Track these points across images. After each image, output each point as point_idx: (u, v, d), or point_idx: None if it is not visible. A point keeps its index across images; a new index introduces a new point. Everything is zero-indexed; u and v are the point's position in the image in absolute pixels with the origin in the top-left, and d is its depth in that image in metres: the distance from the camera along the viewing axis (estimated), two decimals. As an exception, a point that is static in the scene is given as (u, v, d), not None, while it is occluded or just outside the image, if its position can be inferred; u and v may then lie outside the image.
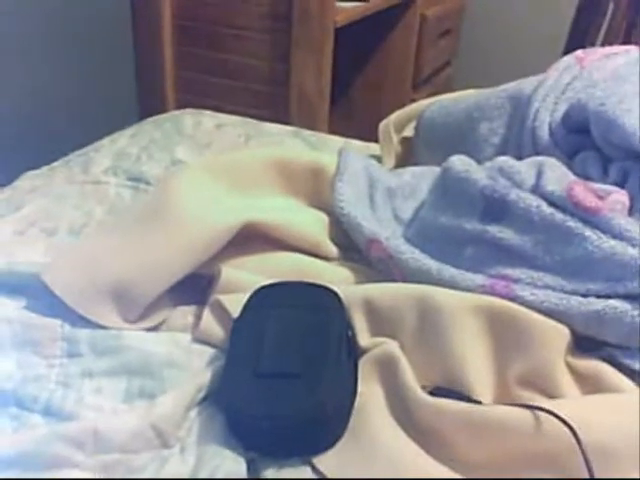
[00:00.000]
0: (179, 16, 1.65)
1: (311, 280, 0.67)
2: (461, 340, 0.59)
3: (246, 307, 0.63)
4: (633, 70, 0.79)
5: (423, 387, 0.57)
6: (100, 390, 0.61)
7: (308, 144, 1.15)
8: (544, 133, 0.78)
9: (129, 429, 0.55)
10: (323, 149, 1.12)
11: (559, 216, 0.62)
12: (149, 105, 1.68)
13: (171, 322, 0.69)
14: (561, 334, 0.59)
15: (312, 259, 0.76)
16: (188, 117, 1.22)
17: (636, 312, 0.57)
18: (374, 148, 1.08)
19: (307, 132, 1.22)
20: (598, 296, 0.59)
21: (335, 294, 0.64)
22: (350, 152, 0.86)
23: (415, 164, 0.95)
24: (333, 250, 0.78)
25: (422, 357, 0.60)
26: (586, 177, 0.71)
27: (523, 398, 0.57)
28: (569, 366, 0.59)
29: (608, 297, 0.58)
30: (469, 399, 0.56)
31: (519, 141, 0.81)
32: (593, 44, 1.61)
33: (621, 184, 0.68)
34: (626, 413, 0.52)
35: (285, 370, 0.57)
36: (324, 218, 0.81)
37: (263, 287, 0.66)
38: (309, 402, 0.55)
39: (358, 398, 0.59)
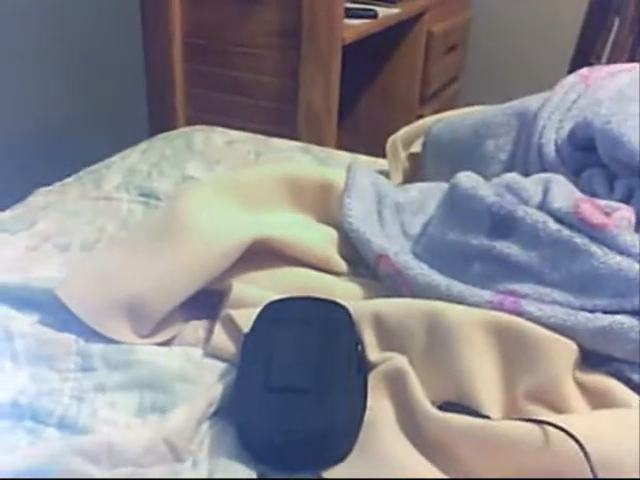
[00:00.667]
0: (189, 34, 1.68)
1: (320, 295, 0.68)
2: (470, 355, 0.60)
3: (257, 322, 0.64)
4: (638, 88, 0.80)
5: (432, 402, 0.58)
6: (113, 404, 0.62)
7: (317, 159, 1.16)
8: (550, 150, 0.79)
9: (142, 443, 0.55)
10: (331, 164, 1.13)
11: (566, 232, 0.63)
12: (159, 122, 1.70)
13: (183, 337, 0.70)
14: (569, 349, 0.59)
15: (321, 274, 0.77)
16: (198, 133, 1.24)
17: (643, 327, 0.57)
18: (381, 163, 1.09)
19: (316, 148, 1.23)
20: (605, 312, 0.59)
21: (345, 309, 0.65)
22: (358, 168, 0.87)
23: (422, 180, 0.96)
24: (342, 265, 0.79)
25: (431, 372, 0.61)
26: (592, 194, 0.72)
27: (531, 413, 0.58)
28: (577, 381, 0.60)
29: (615, 313, 0.59)
30: (478, 414, 0.56)
31: (525, 158, 0.82)
32: (599, 59, 1.62)
33: (627, 201, 0.69)
34: (634, 428, 0.53)
35: (295, 385, 0.58)
36: (333, 234, 0.82)
37: (273, 302, 0.67)
38: (319, 416, 0.55)
39: (367, 413, 0.59)
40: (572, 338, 0.60)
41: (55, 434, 0.59)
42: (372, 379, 0.62)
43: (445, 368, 0.61)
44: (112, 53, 1.60)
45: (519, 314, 0.61)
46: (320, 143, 1.38)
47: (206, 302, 0.73)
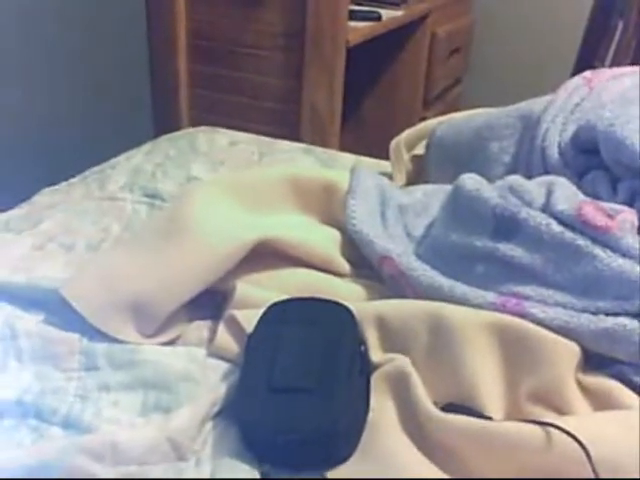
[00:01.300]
0: (194, 35, 1.68)
1: (324, 296, 0.68)
2: (472, 357, 0.60)
3: (260, 322, 0.65)
4: (641, 91, 0.80)
5: (435, 403, 0.58)
6: (117, 403, 0.62)
7: (320, 161, 1.17)
8: (553, 153, 0.79)
9: (146, 442, 0.56)
10: (334, 166, 1.13)
11: (569, 235, 0.63)
12: (164, 122, 1.71)
13: (187, 337, 0.71)
14: (571, 351, 0.59)
15: (325, 275, 0.77)
16: (202, 134, 1.24)
17: (645, 330, 0.57)
18: (385, 165, 1.10)
19: (319, 149, 1.23)
20: (607, 314, 0.60)
21: (348, 310, 0.65)
22: (362, 170, 0.87)
23: (426, 182, 0.96)
24: (345, 267, 0.79)
25: (434, 373, 0.61)
26: (595, 196, 0.72)
27: (534, 414, 0.58)
28: (579, 383, 0.60)
29: (617, 315, 0.59)
30: (480, 415, 0.57)
31: (529, 160, 0.83)
32: (602, 62, 1.62)
33: (630, 203, 0.69)
34: (636, 429, 0.53)
35: (299, 385, 0.58)
36: (337, 235, 0.82)
37: (277, 303, 0.67)
38: (322, 417, 0.56)
39: (370, 413, 0.59)
40: (575, 340, 0.60)
41: (59, 432, 0.59)
42: (375, 380, 0.62)
43: (448, 369, 0.61)
44: (117, 54, 1.61)
45: (522, 316, 0.62)
46: (323, 145, 1.39)
47: (210, 302, 0.73)
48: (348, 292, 0.74)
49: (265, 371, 0.59)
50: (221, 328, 0.69)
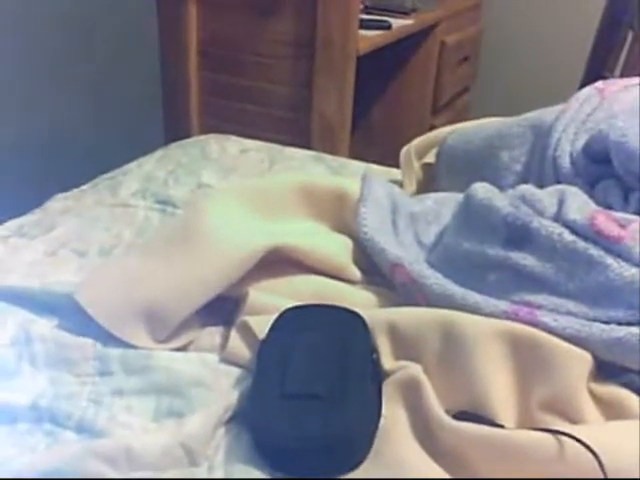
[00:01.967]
0: (205, 43, 1.69)
1: (336, 303, 0.68)
2: (484, 365, 0.60)
3: (272, 329, 0.65)
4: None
5: (447, 411, 0.58)
6: (130, 408, 0.63)
7: (330, 169, 1.17)
8: (565, 162, 0.80)
9: (159, 447, 0.56)
10: (345, 174, 1.14)
11: (581, 244, 0.63)
12: (175, 130, 1.72)
13: (199, 342, 0.71)
14: (583, 360, 0.60)
15: (336, 283, 0.77)
16: (213, 142, 1.25)
17: (658, 340, 0.57)
18: (395, 173, 1.10)
19: (329, 157, 1.24)
20: (619, 323, 0.60)
21: (360, 317, 0.66)
22: (373, 178, 0.88)
23: (436, 190, 0.96)
24: (357, 274, 0.79)
25: (446, 381, 0.61)
26: (607, 206, 0.72)
27: (546, 423, 0.58)
28: (591, 392, 0.60)
29: (629, 324, 0.59)
30: (492, 423, 0.57)
31: (540, 170, 0.83)
32: (612, 73, 1.62)
33: (642, 213, 0.69)
34: (648, 439, 0.53)
35: (311, 391, 0.58)
36: (348, 242, 0.82)
37: (289, 309, 0.68)
38: (334, 423, 0.56)
39: (382, 420, 0.60)
40: (587, 349, 0.60)
41: (73, 437, 0.59)
42: (387, 387, 0.62)
43: (460, 377, 0.61)
44: (128, 61, 1.62)
45: (534, 325, 0.62)
46: (333, 152, 1.39)
47: (222, 309, 0.74)
48: (360, 299, 0.74)
49: (277, 377, 0.59)
50: (233, 334, 0.69)
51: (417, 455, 0.57)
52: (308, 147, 1.46)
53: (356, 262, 0.80)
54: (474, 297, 0.65)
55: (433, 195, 0.90)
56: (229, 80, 1.70)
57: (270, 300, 0.72)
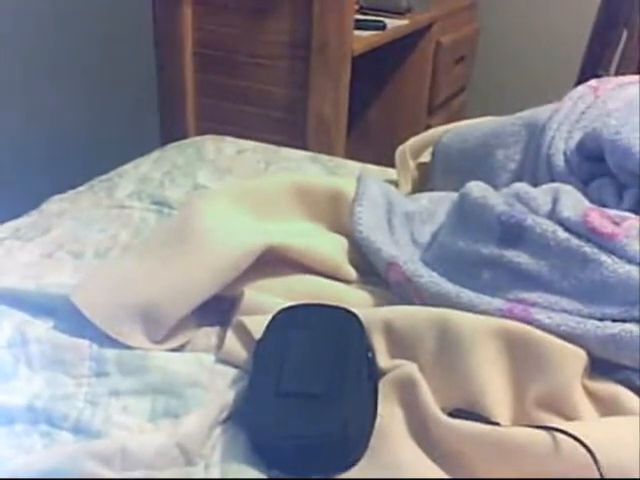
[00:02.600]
0: (200, 44, 1.70)
1: (331, 302, 0.68)
2: (479, 363, 0.60)
3: (268, 328, 0.65)
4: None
5: (442, 409, 0.58)
6: (126, 409, 0.63)
7: (326, 169, 1.17)
8: (559, 160, 0.80)
9: (155, 447, 0.56)
10: (341, 174, 1.14)
11: (575, 241, 0.64)
12: (171, 131, 1.72)
13: (195, 343, 0.71)
14: (578, 357, 0.60)
15: (332, 282, 0.78)
16: (209, 143, 1.25)
17: (652, 336, 0.58)
18: (390, 173, 1.10)
19: (325, 157, 1.24)
20: (614, 320, 0.60)
21: (355, 316, 0.66)
22: (368, 177, 0.88)
23: (431, 189, 0.97)
24: (352, 273, 0.80)
25: (441, 379, 0.61)
26: (601, 203, 0.72)
27: (541, 420, 0.58)
28: (586, 388, 0.60)
29: (624, 321, 0.60)
30: (488, 421, 0.57)
31: (535, 168, 0.83)
32: (607, 71, 1.62)
33: (636, 210, 0.70)
34: (643, 435, 0.53)
35: (307, 390, 0.58)
36: (344, 242, 0.82)
37: (284, 309, 0.68)
38: (331, 422, 0.56)
39: (378, 419, 0.60)
40: (581, 346, 0.60)
41: (69, 438, 0.59)
42: (383, 386, 0.62)
43: (455, 375, 0.61)
44: (124, 63, 1.62)
45: (529, 322, 0.62)
46: (329, 153, 1.39)
47: (218, 308, 0.74)
48: (355, 298, 0.74)
49: (273, 377, 0.59)
50: (229, 334, 0.69)
51: (413, 453, 0.57)
52: (304, 147, 1.47)
53: (351, 261, 0.80)
54: (469, 295, 0.66)
55: (428, 194, 0.91)
56: (225, 81, 1.71)
57: (266, 300, 0.72)
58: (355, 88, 1.64)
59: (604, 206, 0.71)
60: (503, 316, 0.63)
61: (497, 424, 0.57)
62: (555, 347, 0.60)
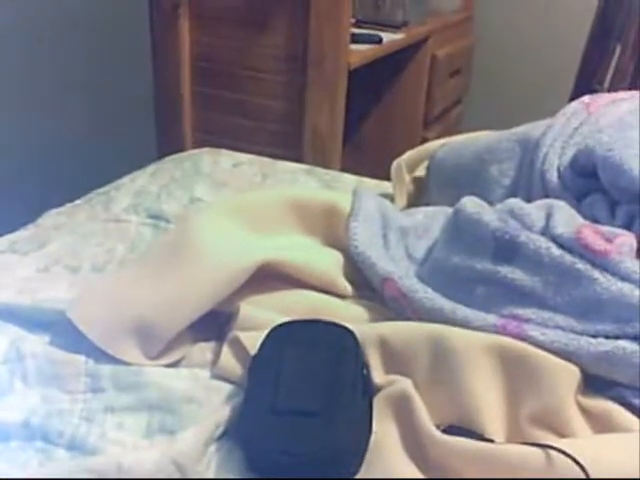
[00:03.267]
0: (198, 58, 1.70)
1: (326, 318, 0.68)
2: (474, 379, 0.60)
3: (263, 344, 0.65)
4: (638, 116, 0.81)
5: (437, 425, 0.58)
6: (122, 425, 0.63)
7: (322, 182, 1.18)
8: (553, 176, 0.80)
9: (151, 464, 0.56)
10: (336, 187, 1.14)
11: (568, 258, 0.64)
12: (168, 144, 1.73)
13: (191, 358, 0.71)
14: (571, 374, 0.60)
15: (327, 297, 0.78)
16: (206, 156, 1.26)
17: (645, 353, 0.58)
18: (386, 186, 1.11)
19: (321, 170, 1.25)
20: (607, 337, 0.60)
21: (350, 332, 0.66)
22: (364, 192, 0.88)
23: (426, 204, 0.97)
24: (348, 288, 0.80)
25: (436, 396, 0.62)
26: (594, 220, 0.73)
27: (535, 437, 0.58)
28: (580, 405, 0.60)
29: (617, 338, 0.60)
30: (482, 438, 0.57)
31: (529, 184, 0.84)
32: (601, 85, 1.64)
33: (628, 227, 0.70)
34: (636, 452, 0.53)
35: (302, 407, 0.58)
36: (339, 257, 0.83)
37: (280, 325, 0.68)
38: (326, 439, 0.56)
39: (373, 435, 0.60)
40: (575, 362, 0.60)
41: (65, 454, 0.60)
42: (377, 402, 0.63)
43: (449, 391, 0.61)
44: (121, 76, 1.63)
45: (522, 338, 0.62)
46: (325, 166, 1.40)
47: (214, 324, 0.74)
48: (350, 314, 0.75)
49: (268, 393, 0.59)
50: (225, 350, 0.69)
51: (408, 470, 0.57)
52: (300, 160, 1.47)
53: (347, 276, 0.80)
54: (463, 311, 0.66)
55: (423, 209, 0.91)
56: (222, 94, 1.71)
57: (261, 315, 0.72)
58: (351, 101, 1.65)
59: (597, 222, 0.71)
60: (497, 332, 0.64)
61: (491, 441, 0.57)
62: (549, 364, 0.60)
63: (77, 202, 1.07)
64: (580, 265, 0.63)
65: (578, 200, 0.78)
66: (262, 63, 1.63)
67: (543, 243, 0.66)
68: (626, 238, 0.65)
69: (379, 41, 1.73)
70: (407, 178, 1.04)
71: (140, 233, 0.96)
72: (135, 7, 1.66)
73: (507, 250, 0.68)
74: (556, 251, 0.65)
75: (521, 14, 2.44)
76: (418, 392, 0.61)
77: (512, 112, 1.90)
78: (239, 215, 0.85)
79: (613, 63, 1.64)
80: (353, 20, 1.75)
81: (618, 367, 0.59)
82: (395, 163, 1.06)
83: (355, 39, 1.65)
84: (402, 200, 1.03)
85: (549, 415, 0.59)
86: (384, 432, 0.60)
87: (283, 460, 0.56)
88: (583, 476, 0.51)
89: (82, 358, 0.69)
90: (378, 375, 0.65)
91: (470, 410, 0.59)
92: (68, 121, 1.50)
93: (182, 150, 1.39)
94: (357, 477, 0.57)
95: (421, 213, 0.89)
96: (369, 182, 1.19)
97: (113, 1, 1.56)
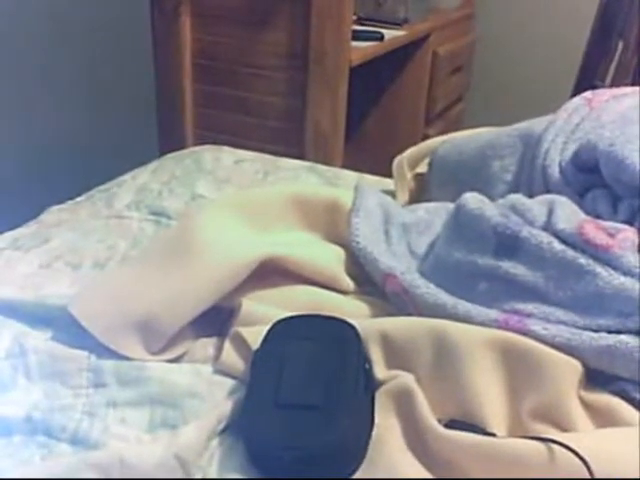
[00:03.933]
0: (199, 55, 1.71)
1: (328, 313, 0.69)
2: (475, 373, 0.61)
3: (265, 339, 0.65)
4: (640, 111, 0.82)
5: (439, 420, 0.58)
6: (124, 420, 0.63)
7: (323, 179, 1.18)
8: (554, 172, 0.80)
9: (153, 458, 0.56)
10: (338, 184, 1.14)
11: (570, 253, 0.64)
12: (169, 141, 1.73)
13: (193, 353, 0.71)
14: (573, 368, 0.60)
15: (329, 293, 0.78)
16: (208, 153, 1.26)
17: (646, 347, 0.58)
18: (387, 183, 1.11)
19: (322, 167, 1.24)
20: (609, 331, 0.60)
21: (352, 327, 0.66)
22: (366, 188, 0.88)
23: (428, 200, 0.97)
24: (350, 284, 0.80)
25: (437, 390, 0.62)
26: (596, 215, 0.73)
27: (536, 431, 0.58)
28: (582, 400, 0.60)
29: (619, 332, 0.60)
30: (484, 432, 0.57)
31: (530, 179, 0.84)
32: (603, 81, 1.63)
33: (630, 222, 0.70)
34: (637, 446, 0.53)
35: (304, 401, 0.58)
36: (341, 252, 0.83)
37: (282, 320, 0.68)
38: (328, 433, 0.56)
39: (375, 430, 0.60)
40: (577, 357, 0.60)
41: (67, 449, 0.60)
42: (379, 397, 0.63)
43: (451, 386, 0.61)
44: (123, 74, 1.63)
45: (524, 333, 0.62)
46: (327, 163, 1.40)
47: (216, 319, 0.74)
48: (352, 309, 0.75)
49: (271, 388, 0.60)
50: (227, 345, 0.70)
51: (410, 464, 0.58)
52: (302, 157, 1.47)
53: (349, 272, 0.81)
54: (465, 306, 0.66)
55: (425, 205, 0.91)
56: (223, 91, 1.71)
57: (263, 310, 0.72)
58: (353, 98, 1.65)
59: (599, 217, 0.71)
60: (499, 327, 0.64)
61: (493, 435, 0.57)
62: (551, 358, 0.60)
63: (79, 199, 1.07)
64: (582, 260, 0.63)
65: (580, 195, 0.78)
66: (263, 60, 1.63)
67: (545, 238, 0.66)
68: (628, 233, 0.65)
69: (380, 38, 1.73)
70: (409, 175, 1.04)
71: (142, 230, 0.97)
72: (136, 5, 1.66)
73: (509, 245, 0.68)
74: (558, 246, 0.65)
75: (522, 11, 2.44)
76: (420, 387, 0.61)
77: (513, 109, 1.90)
78: (241, 212, 0.85)
79: (615, 59, 1.64)
80: (354, 17, 1.75)
81: (620, 361, 0.59)
82: (397, 160, 1.06)
83: (356, 36, 1.65)
84: (404, 196, 1.03)
85: (551, 409, 0.59)
86: (386, 427, 0.60)
87: (285, 454, 0.56)
88: (585, 470, 0.51)
89: (84, 353, 0.69)
90: (380, 370, 0.65)
91: (472, 404, 0.60)
92: (70, 119, 1.51)
93: (184, 147, 1.39)
94: (359, 472, 0.57)
95: (423, 209, 0.89)
96: (371, 179, 1.19)
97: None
